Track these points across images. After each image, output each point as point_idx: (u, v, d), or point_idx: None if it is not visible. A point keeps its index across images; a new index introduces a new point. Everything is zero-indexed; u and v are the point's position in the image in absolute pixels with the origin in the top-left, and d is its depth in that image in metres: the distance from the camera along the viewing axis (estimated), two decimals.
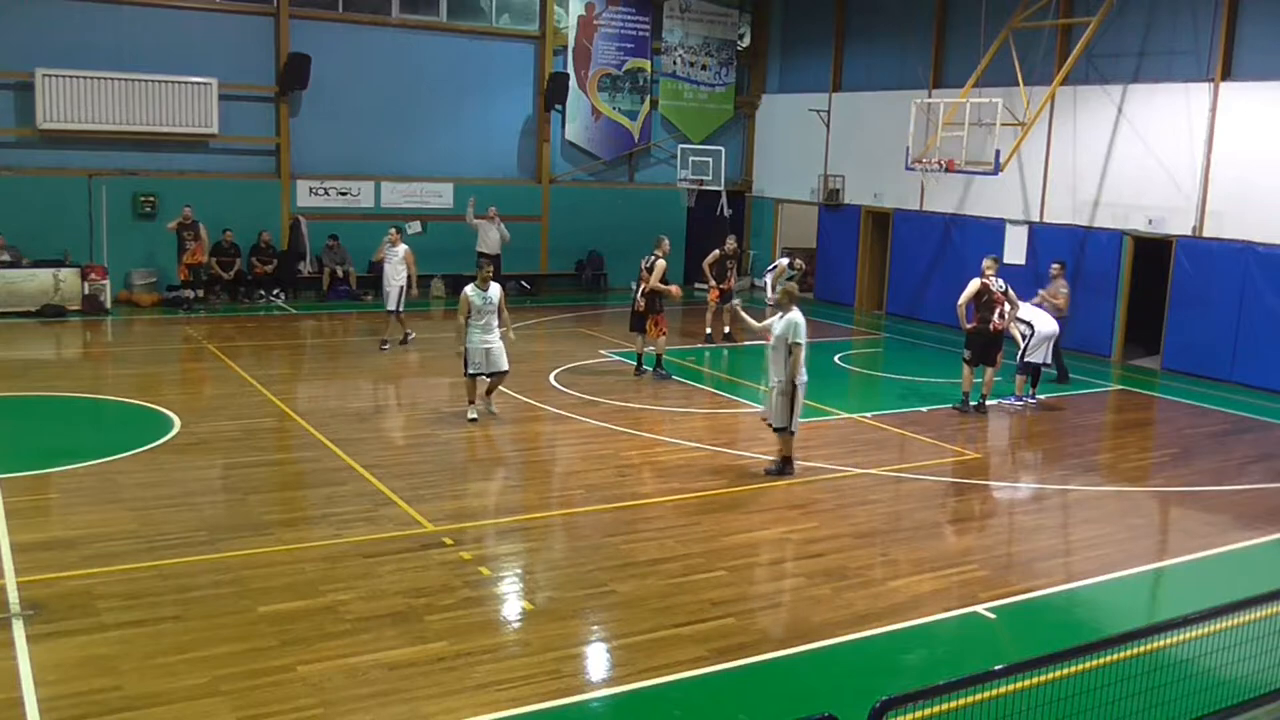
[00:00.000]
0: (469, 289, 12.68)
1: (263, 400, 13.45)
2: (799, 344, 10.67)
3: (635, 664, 6.95)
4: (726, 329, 18.49)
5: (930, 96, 20.64)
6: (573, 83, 23.77)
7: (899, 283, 22.65)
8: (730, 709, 6.52)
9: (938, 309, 20.92)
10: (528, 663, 6.88)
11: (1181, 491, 11.31)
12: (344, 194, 22.05)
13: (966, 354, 14.31)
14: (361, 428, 12.48)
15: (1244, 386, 16.57)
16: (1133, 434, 14.12)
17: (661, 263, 15.30)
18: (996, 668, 4.89)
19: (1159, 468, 12.26)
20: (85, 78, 19.25)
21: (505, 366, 12.77)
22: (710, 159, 24.30)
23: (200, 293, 20.08)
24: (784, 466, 11.12)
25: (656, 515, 9.82)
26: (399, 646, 7.00)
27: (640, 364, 15.69)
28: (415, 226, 21.95)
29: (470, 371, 12.75)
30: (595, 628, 7.52)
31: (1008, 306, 13.99)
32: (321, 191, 21.85)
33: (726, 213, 24.79)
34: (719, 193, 24.60)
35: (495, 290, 12.77)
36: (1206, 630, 5.82)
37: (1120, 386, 16.73)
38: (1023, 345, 14.48)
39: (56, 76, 19.07)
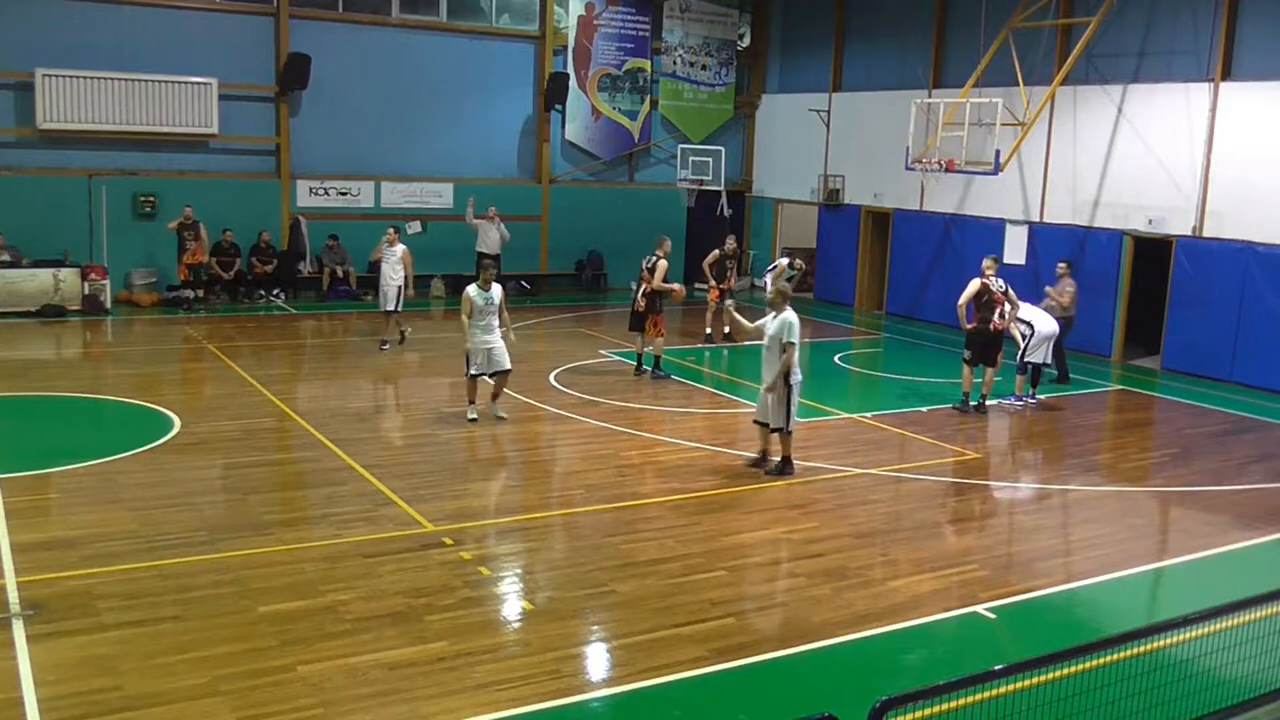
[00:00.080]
0: (471, 288, 12.68)
1: (263, 400, 13.45)
2: (793, 343, 10.67)
3: (635, 664, 6.95)
4: (726, 329, 18.47)
5: (930, 96, 20.64)
6: (573, 83, 23.77)
7: (899, 283, 22.65)
8: (730, 709, 6.52)
9: (938, 309, 20.92)
10: (528, 663, 6.88)
11: (1181, 491, 11.31)
12: (344, 194, 22.05)
13: (966, 354, 14.31)
14: (361, 428, 12.48)
15: (1244, 386, 16.57)
16: (1133, 434, 14.12)
17: (663, 263, 15.31)
18: (996, 668, 4.89)
19: (1159, 468, 12.26)
20: (85, 78, 19.25)
21: (507, 365, 12.76)
22: (710, 159, 24.30)
23: (200, 293, 20.08)
24: (784, 466, 11.12)
25: (656, 515, 9.82)
26: (399, 646, 7.00)
27: (640, 364, 15.69)
28: (415, 227, 21.95)
29: (472, 372, 12.75)
30: (595, 628, 7.52)
31: (1008, 306, 14.00)
32: (321, 191, 21.85)
33: (726, 213, 24.79)
34: (719, 193, 24.60)
35: (497, 290, 12.78)
36: (1206, 630, 5.82)
37: (1120, 386, 16.74)
38: (1023, 345, 14.49)
39: (56, 76, 19.07)
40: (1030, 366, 14.66)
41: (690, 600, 7.94)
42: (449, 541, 8.91)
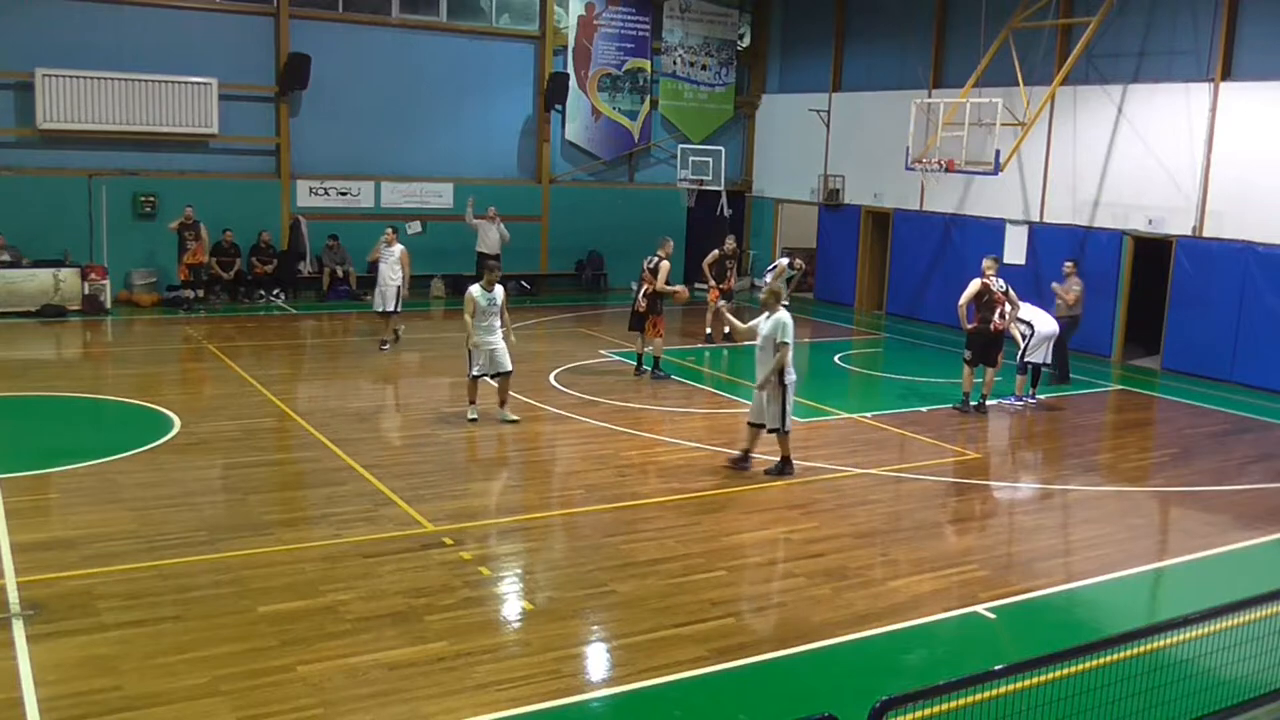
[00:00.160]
0: (475, 289, 12.67)
1: (263, 400, 13.45)
2: (786, 343, 10.67)
3: (635, 664, 6.95)
4: (726, 329, 18.49)
5: (930, 96, 20.64)
6: (573, 83, 23.77)
7: (899, 283, 22.65)
8: (730, 709, 6.52)
9: (938, 309, 20.93)
10: (528, 663, 6.88)
11: (1181, 491, 11.31)
12: (344, 194, 22.05)
13: (967, 354, 14.32)
14: (361, 428, 12.48)
15: (1244, 386, 16.57)
16: (1133, 434, 14.12)
17: (665, 264, 15.31)
18: (996, 668, 4.89)
19: (1159, 468, 12.26)
20: (85, 78, 19.26)
21: (509, 367, 12.75)
22: (710, 159, 24.30)
23: (200, 293, 20.08)
24: (783, 466, 11.12)
25: (656, 515, 9.82)
26: (399, 646, 7.00)
27: (640, 364, 15.69)
28: (415, 226, 21.95)
29: (474, 373, 12.74)
30: (595, 628, 7.52)
31: (1008, 307, 14.00)
32: (321, 191, 21.85)
33: (726, 213, 24.79)
34: (719, 193, 24.60)
35: (500, 291, 12.78)
36: (1206, 630, 5.81)
37: (1120, 386, 16.74)
38: (1023, 345, 14.50)
39: (56, 76, 19.07)
40: (1030, 366, 14.67)
41: (690, 600, 7.94)
42: (449, 541, 8.91)
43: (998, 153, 17.84)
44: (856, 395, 16.02)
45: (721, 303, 17.33)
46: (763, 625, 7.69)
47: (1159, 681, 5.83)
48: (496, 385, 12.81)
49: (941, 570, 8.75)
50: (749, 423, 11.27)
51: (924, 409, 14.41)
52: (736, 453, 11.42)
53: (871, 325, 21.77)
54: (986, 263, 14.16)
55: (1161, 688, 5.78)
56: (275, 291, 21.23)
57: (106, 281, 19.21)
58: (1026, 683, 5.25)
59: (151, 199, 20.15)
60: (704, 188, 24.48)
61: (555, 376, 15.30)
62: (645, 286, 15.28)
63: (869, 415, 13.95)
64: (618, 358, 16.80)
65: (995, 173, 18.17)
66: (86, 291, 18.93)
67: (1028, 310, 14.62)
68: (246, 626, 7.21)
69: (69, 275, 18.90)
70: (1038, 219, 19.83)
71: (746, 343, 11.34)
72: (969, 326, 14.19)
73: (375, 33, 22.05)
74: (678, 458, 11.68)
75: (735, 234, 20.77)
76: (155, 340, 17.55)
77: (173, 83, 19.88)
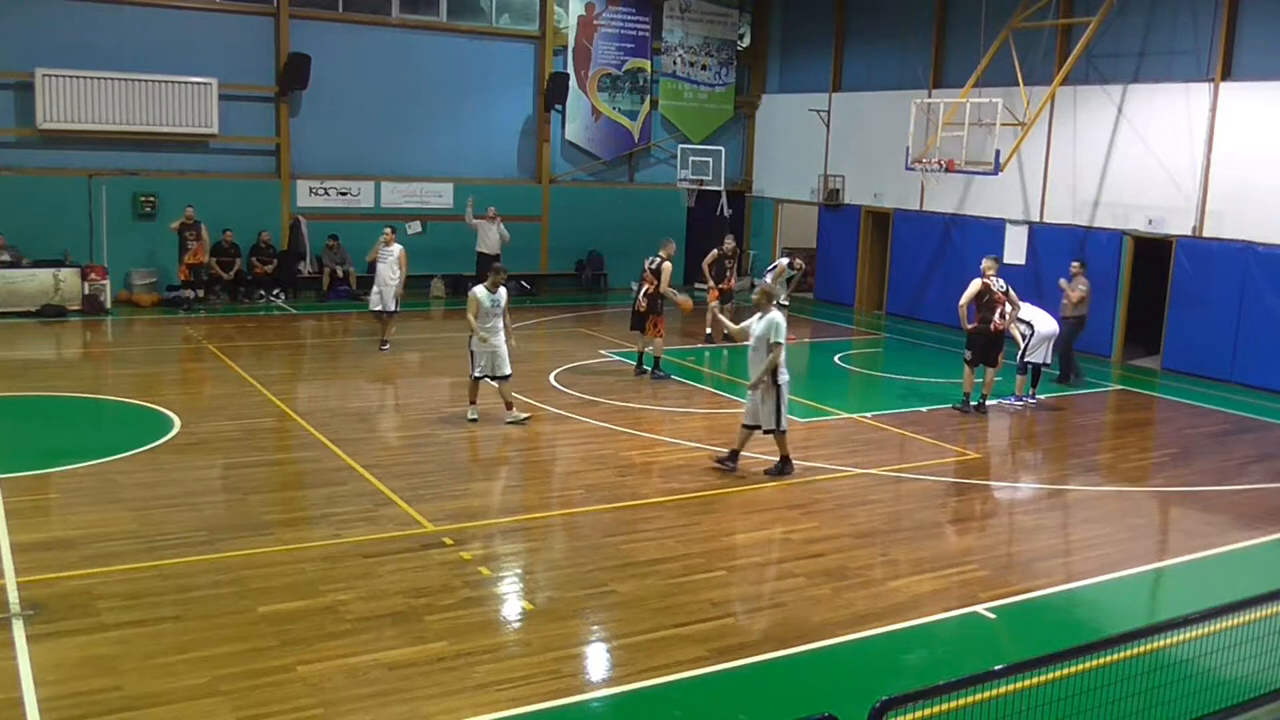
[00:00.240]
0: (479, 289, 12.67)
1: (263, 400, 13.45)
2: (779, 343, 10.67)
3: (635, 664, 6.95)
4: (726, 330, 18.50)
5: (930, 96, 20.64)
6: (573, 83, 23.77)
7: (899, 283, 22.65)
8: (730, 709, 6.52)
9: (938, 309, 20.92)
10: (528, 663, 6.88)
11: (1181, 491, 11.31)
12: (344, 194, 22.05)
13: (967, 354, 14.32)
14: (361, 428, 12.48)
15: (1244, 386, 16.57)
16: (1133, 434, 14.12)
17: (668, 265, 15.33)
18: (996, 668, 4.89)
19: (1159, 468, 12.26)
20: (85, 78, 19.25)
21: (508, 370, 12.73)
22: (710, 159, 24.29)
23: (200, 293, 20.08)
24: (783, 466, 11.12)
25: (656, 515, 9.82)
26: (399, 646, 7.00)
27: (640, 363, 15.70)
28: (415, 226, 21.95)
29: (476, 374, 12.74)
30: (595, 628, 7.52)
31: (1008, 307, 14.01)
32: (321, 191, 21.85)
33: (726, 213, 24.79)
34: (719, 193, 24.60)
35: (504, 293, 12.78)
36: (1206, 630, 5.81)
37: (1120, 386, 16.73)
38: (1023, 345, 14.50)
39: (56, 76, 19.07)
40: (1030, 366, 14.67)
41: (690, 600, 7.94)
42: (449, 541, 8.91)
43: (998, 153, 17.84)
44: (856, 395, 16.02)
45: (715, 304, 17.33)
46: (763, 625, 7.68)
47: (1159, 681, 5.83)
48: (498, 388, 12.80)
49: (941, 570, 8.75)
50: (743, 425, 11.24)
51: (924, 409, 14.40)
52: (724, 452, 11.41)
53: (871, 325, 21.77)
54: (986, 263, 14.16)
55: (1161, 688, 5.78)
56: (275, 291, 21.22)
57: (106, 281, 19.21)
58: (1026, 683, 5.25)
59: (151, 199, 20.15)
60: (704, 188, 24.48)
61: (555, 376, 15.30)
62: (646, 286, 15.29)
63: (869, 415, 13.95)
64: (618, 358, 16.80)
65: (995, 173, 18.17)
66: (86, 291, 18.93)
67: (1028, 310, 14.63)
68: (246, 626, 7.21)
69: (69, 275, 18.90)
70: (1038, 219, 19.83)
71: (748, 343, 11.36)
72: (969, 327, 14.19)
73: (375, 33, 22.05)
74: (678, 458, 11.68)
75: (735, 234, 20.78)
76: (155, 340, 17.55)
77: (173, 83, 19.88)
